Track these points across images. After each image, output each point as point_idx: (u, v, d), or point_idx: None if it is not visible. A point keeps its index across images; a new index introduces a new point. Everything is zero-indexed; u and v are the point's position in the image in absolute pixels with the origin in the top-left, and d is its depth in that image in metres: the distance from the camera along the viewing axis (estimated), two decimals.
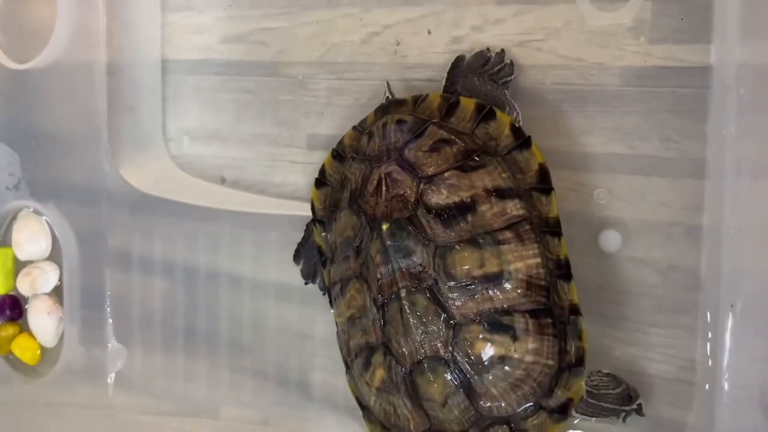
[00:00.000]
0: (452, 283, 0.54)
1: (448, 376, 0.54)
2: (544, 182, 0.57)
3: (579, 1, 0.63)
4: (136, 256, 0.83)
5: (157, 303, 0.82)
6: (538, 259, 0.54)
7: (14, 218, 0.88)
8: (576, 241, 0.62)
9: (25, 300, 0.88)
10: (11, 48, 0.87)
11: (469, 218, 0.55)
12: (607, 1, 0.62)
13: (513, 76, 0.63)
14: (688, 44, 0.59)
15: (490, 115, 0.59)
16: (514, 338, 0.53)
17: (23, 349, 0.86)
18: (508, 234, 0.55)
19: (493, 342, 0.53)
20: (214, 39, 0.80)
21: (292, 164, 0.77)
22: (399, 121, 0.60)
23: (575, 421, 0.62)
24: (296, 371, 0.76)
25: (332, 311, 0.65)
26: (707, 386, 0.58)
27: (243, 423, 0.77)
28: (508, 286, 0.54)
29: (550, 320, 0.54)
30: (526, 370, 0.54)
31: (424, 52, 0.69)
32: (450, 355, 0.54)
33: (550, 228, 0.56)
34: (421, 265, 0.55)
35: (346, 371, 0.64)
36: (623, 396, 0.58)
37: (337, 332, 0.64)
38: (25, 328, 0.88)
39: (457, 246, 0.55)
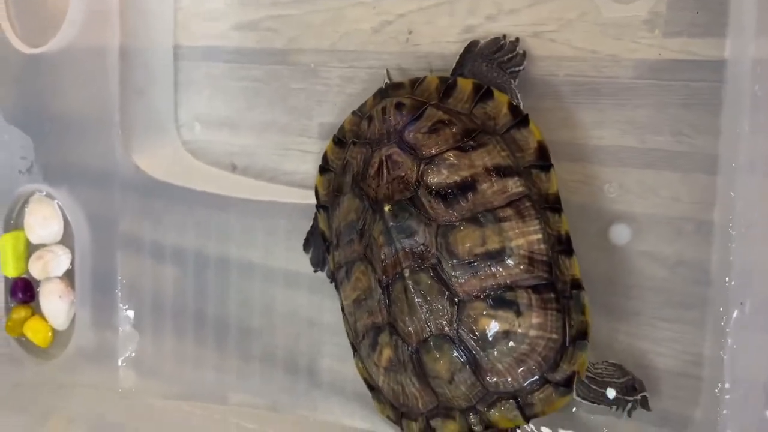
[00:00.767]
0: (455, 261, 0.55)
1: (454, 353, 0.55)
2: (543, 159, 0.57)
3: None
4: (147, 242, 0.84)
5: (168, 288, 0.83)
6: (540, 235, 0.55)
7: (27, 202, 0.89)
8: (586, 234, 0.62)
9: (37, 283, 0.89)
10: (25, 32, 0.87)
11: (470, 197, 0.56)
12: None
13: (522, 67, 0.63)
14: (703, 38, 0.58)
15: (487, 95, 0.59)
16: (518, 313, 0.54)
17: (35, 332, 0.88)
18: (508, 211, 0.55)
19: (497, 318, 0.54)
20: (225, 26, 0.80)
21: (302, 153, 0.77)
22: (398, 105, 0.61)
23: (574, 409, 0.63)
24: (304, 358, 0.77)
25: (338, 294, 0.65)
26: (713, 382, 0.58)
27: (251, 408, 0.78)
28: (510, 262, 0.54)
29: (553, 295, 0.55)
30: (531, 345, 0.54)
31: (436, 41, 0.69)
32: (455, 332, 0.55)
33: (550, 204, 0.56)
34: (423, 244, 0.56)
35: (354, 354, 0.64)
36: (627, 386, 0.58)
37: (344, 316, 0.65)
38: (37, 311, 0.89)
39: (458, 224, 0.55)
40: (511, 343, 0.54)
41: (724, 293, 0.57)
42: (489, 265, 0.54)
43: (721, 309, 0.57)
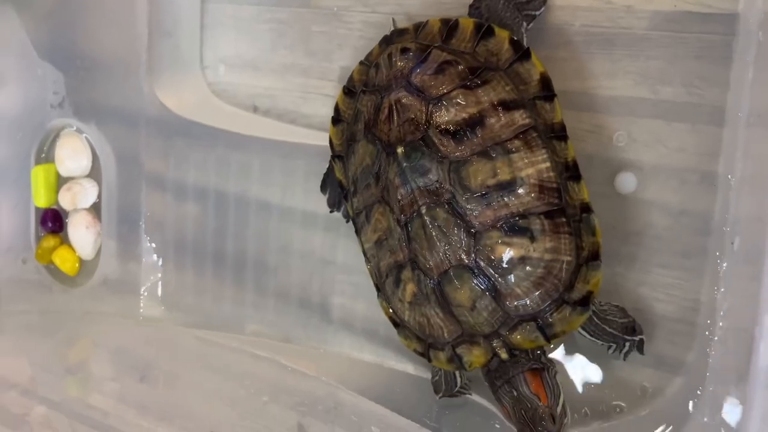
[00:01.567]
0: (469, 194, 0.57)
1: (474, 282, 0.57)
2: (546, 90, 0.59)
3: None
4: (171, 178, 0.86)
5: (189, 223, 0.86)
6: (548, 164, 0.57)
7: (58, 136, 0.92)
8: (592, 182, 0.63)
9: (66, 214, 0.92)
10: None
11: (479, 132, 0.58)
12: None
13: (540, 12, 0.64)
14: None
15: (488, 33, 0.61)
16: (532, 239, 0.56)
17: (63, 260, 0.92)
18: (517, 143, 0.57)
19: (512, 245, 0.56)
20: None
21: (323, 96, 0.79)
22: (403, 50, 0.63)
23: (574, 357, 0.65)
24: (317, 294, 0.79)
25: (359, 239, 0.67)
26: (706, 327, 0.60)
27: (266, 339, 0.82)
28: (521, 191, 0.57)
29: (564, 219, 0.57)
30: (547, 268, 0.57)
31: None
32: (473, 261, 0.57)
33: (556, 133, 0.59)
34: (437, 181, 0.58)
35: (378, 294, 0.67)
36: (627, 326, 0.61)
37: (366, 259, 0.67)
38: (65, 241, 0.93)
39: (470, 159, 0.57)
40: (527, 268, 0.57)
41: (722, 242, 0.58)
42: (501, 196, 0.57)
43: (717, 257, 0.59)
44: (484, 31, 0.61)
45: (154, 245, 0.88)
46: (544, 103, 0.59)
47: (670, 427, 0.61)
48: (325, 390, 0.74)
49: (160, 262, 0.88)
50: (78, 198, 0.89)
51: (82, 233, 0.90)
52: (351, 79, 0.69)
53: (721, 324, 0.57)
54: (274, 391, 0.75)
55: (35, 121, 0.91)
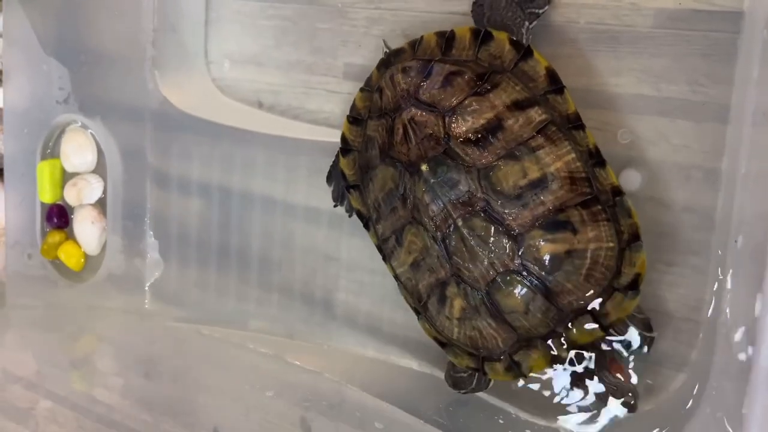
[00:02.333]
0: (503, 198, 0.57)
1: (524, 285, 0.57)
2: (555, 83, 0.59)
3: None
4: (175, 173, 0.87)
5: (193, 219, 0.86)
6: (573, 154, 0.57)
7: (63, 131, 0.92)
8: None
9: (71, 210, 0.93)
10: None
11: (500, 135, 0.58)
12: None
13: (544, 10, 0.64)
14: None
15: (487, 37, 0.61)
16: (574, 231, 0.56)
17: (69, 255, 0.92)
18: (539, 140, 0.57)
19: (556, 240, 0.56)
20: None
21: (327, 92, 0.79)
22: (404, 69, 0.62)
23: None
24: (321, 290, 0.80)
25: (389, 266, 0.66)
26: (710, 324, 0.60)
27: (269, 335, 0.82)
28: (554, 186, 0.57)
29: (599, 207, 0.57)
30: (593, 258, 0.57)
31: None
32: (520, 264, 0.57)
33: (573, 123, 0.59)
34: (468, 191, 0.58)
35: (419, 317, 0.65)
36: (645, 323, 0.61)
37: (401, 284, 0.66)
38: (70, 236, 0.93)
39: (497, 164, 0.57)
40: (575, 261, 0.57)
41: (725, 239, 0.58)
42: (536, 194, 0.57)
43: (721, 254, 0.59)
44: (482, 37, 0.61)
45: (158, 241, 0.88)
46: (556, 96, 0.59)
47: (674, 424, 0.61)
48: (329, 386, 0.75)
49: (164, 258, 0.88)
50: (83, 193, 0.90)
51: (87, 229, 0.90)
52: (354, 107, 0.68)
53: (724, 321, 0.57)
54: (278, 387, 0.75)
55: (41, 117, 0.92)
